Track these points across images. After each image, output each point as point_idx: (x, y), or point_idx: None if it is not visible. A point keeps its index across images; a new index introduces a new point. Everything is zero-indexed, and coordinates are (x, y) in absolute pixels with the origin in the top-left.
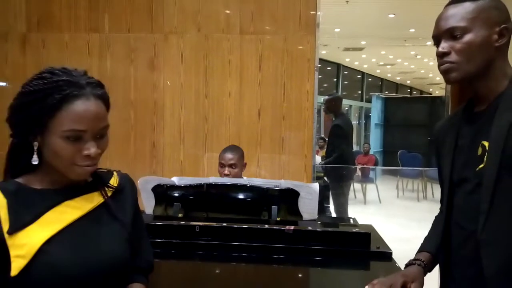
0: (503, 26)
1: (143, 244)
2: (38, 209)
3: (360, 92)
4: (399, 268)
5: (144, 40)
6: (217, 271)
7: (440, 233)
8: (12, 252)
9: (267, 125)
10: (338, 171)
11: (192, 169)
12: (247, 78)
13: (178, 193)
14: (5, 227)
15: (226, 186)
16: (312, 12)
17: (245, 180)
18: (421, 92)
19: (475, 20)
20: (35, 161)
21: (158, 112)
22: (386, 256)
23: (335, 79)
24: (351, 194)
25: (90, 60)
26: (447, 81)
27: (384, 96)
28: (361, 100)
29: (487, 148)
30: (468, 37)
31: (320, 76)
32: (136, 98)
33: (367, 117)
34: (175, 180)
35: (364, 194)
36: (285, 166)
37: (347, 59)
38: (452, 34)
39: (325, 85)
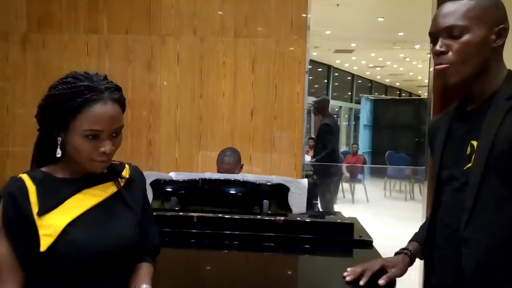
0: (501, 26)
1: (151, 229)
2: (62, 195)
3: (350, 93)
4: (379, 255)
5: (142, 42)
6: (211, 258)
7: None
8: (41, 231)
9: (259, 124)
10: (326, 170)
11: (186, 166)
12: (240, 79)
13: (175, 188)
14: (35, 210)
15: (221, 181)
16: (303, 15)
17: (238, 176)
18: (410, 94)
19: (475, 19)
20: (58, 154)
21: (154, 111)
22: (367, 244)
23: (325, 80)
24: (339, 194)
25: (89, 60)
26: (446, 81)
27: (373, 98)
28: (351, 102)
29: (475, 148)
30: (467, 37)
31: (311, 77)
32: (134, 97)
33: (357, 118)
34: (173, 175)
35: (352, 194)
36: (276, 164)
37: (337, 61)
38: (450, 32)
39: (316, 86)
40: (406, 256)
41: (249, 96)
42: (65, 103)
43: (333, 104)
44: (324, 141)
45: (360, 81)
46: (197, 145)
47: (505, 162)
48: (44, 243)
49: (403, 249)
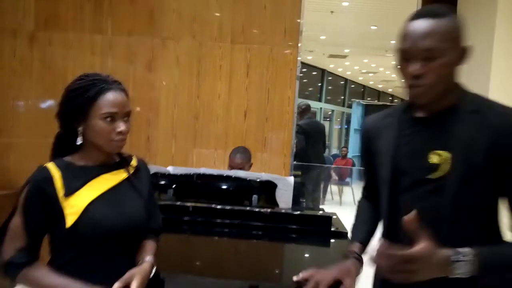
0: (466, 46)
1: (155, 212)
2: (82, 180)
3: (342, 97)
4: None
5: (144, 44)
6: (203, 243)
7: (367, 221)
8: (66, 211)
9: (252, 125)
10: (312, 170)
11: (182, 162)
12: (235, 82)
13: (171, 181)
14: (61, 193)
15: (214, 177)
16: (297, 21)
17: (230, 172)
18: (402, 100)
19: (452, 40)
20: (79, 141)
21: (153, 109)
22: (342, 235)
23: (319, 84)
24: (328, 196)
25: (93, 59)
26: (417, 102)
27: (364, 103)
28: (343, 106)
29: (446, 159)
30: (444, 60)
31: (305, 80)
32: (134, 95)
33: (348, 122)
34: (170, 169)
35: (340, 196)
36: (266, 163)
37: (331, 65)
38: (428, 54)
39: (310, 89)
40: (357, 261)
41: (243, 98)
42: (83, 94)
43: (326, 107)
44: (296, 141)
45: (353, 86)
46: (193, 142)
47: (479, 174)
48: (69, 220)
49: (350, 252)
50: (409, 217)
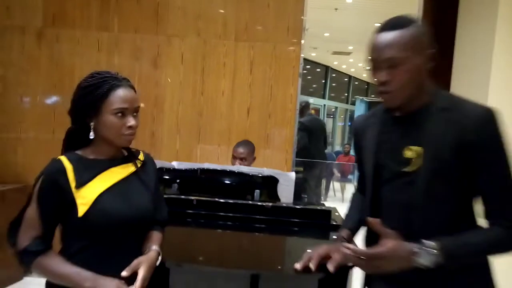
0: (430, 51)
1: (161, 204)
2: (93, 172)
3: (346, 94)
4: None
5: (149, 41)
6: (207, 235)
7: (358, 211)
8: (78, 201)
9: (255, 122)
10: (314, 166)
11: (186, 157)
12: (239, 79)
13: (176, 175)
14: (73, 184)
15: (218, 172)
16: (301, 18)
17: (233, 167)
18: None
19: (411, 49)
20: (91, 136)
21: (158, 106)
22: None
23: (323, 81)
24: (330, 193)
25: (99, 56)
26: (387, 106)
27: (367, 100)
28: (347, 103)
29: (419, 153)
30: (405, 67)
31: (309, 77)
32: (139, 92)
33: (352, 119)
34: (175, 164)
35: (343, 193)
36: (268, 159)
37: (335, 62)
38: (390, 63)
39: (314, 85)
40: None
41: (246, 95)
42: (95, 91)
43: (330, 104)
44: (298, 138)
45: (357, 82)
46: (197, 138)
47: (447, 167)
48: (81, 210)
49: (339, 237)
50: (373, 220)
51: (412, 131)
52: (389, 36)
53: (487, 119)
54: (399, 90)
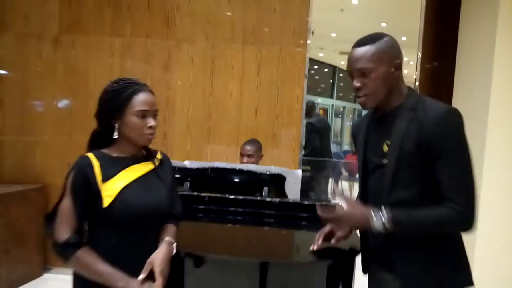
0: (397, 61)
1: (176, 199)
2: (117, 168)
3: (354, 94)
4: (356, 234)
5: (160, 45)
6: (218, 229)
7: (359, 200)
8: (103, 194)
9: (263, 122)
10: (322, 165)
11: (196, 157)
12: (246, 81)
13: (187, 174)
14: (99, 178)
15: (227, 170)
16: (306, 19)
17: (242, 166)
18: None
19: (377, 60)
20: (115, 135)
21: (169, 108)
22: None
23: (331, 81)
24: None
25: (113, 60)
26: (364, 108)
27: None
28: (355, 102)
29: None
30: (374, 75)
31: (317, 77)
32: None
33: None
34: (187, 163)
35: (351, 192)
36: (276, 158)
37: (342, 62)
38: (361, 72)
39: (322, 85)
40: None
41: (254, 96)
42: (119, 94)
43: (338, 104)
44: (308, 140)
45: None
46: (207, 139)
47: (411, 157)
48: (106, 201)
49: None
50: (336, 189)
51: (387, 129)
52: (359, 51)
53: (444, 117)
54: (371, 95)
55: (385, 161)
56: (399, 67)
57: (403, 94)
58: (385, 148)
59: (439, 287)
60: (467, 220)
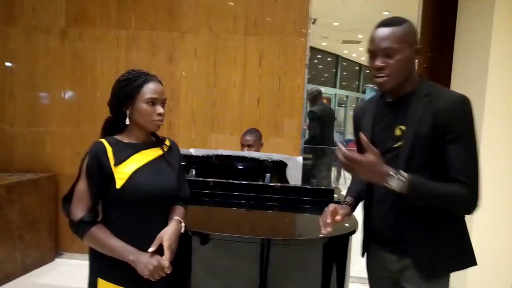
0: (418, 46)
1: (184, 183)
2: (128, 153)
3: (357, 83)
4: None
5: (165, 37)
6: (223, 213)
7: (359, 183)
8: (116, 176)
9: (265, 111)
10: (323, 153)
11: (201, 146)
12: (249, 71)
13: (193, 161)
14: (112, 162)
15: (231, 157)
16: (307, 8)
17: (246, 153)
18: None
19: (404, 42)
20: (127, 122)
21: (174, 98)
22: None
23: (334, 70)
24: (341, 181)
25: (118, 52)
26: (382, 89)
27: (377, 88)
28: (358, 91)
29: (404, 132)
30: (399, 56)
31: (320, 66)
32: None
33: None
34: (192, 151)
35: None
36: (278, 146)
37: (345, 51)
38: (387, 52)
39: (326, 75)
40: (349, 207)
41: (256, 86)
42: (131, 83)
43: (341, 93)
44: (307, 127)
45: (367, 71)
46: (211, 128)
47: (426, 142)
48: (119, 184)
49: (344, 201)
50: (362, 136)
51: (400, 113)
52: (386, 30)
53: (459, 104)
54: (393, 76)
55: (398, 144)
56: (418, 53)
57: (416, 80)
58: (398, 132)
59: (448, 266)
60: (474, 202)
